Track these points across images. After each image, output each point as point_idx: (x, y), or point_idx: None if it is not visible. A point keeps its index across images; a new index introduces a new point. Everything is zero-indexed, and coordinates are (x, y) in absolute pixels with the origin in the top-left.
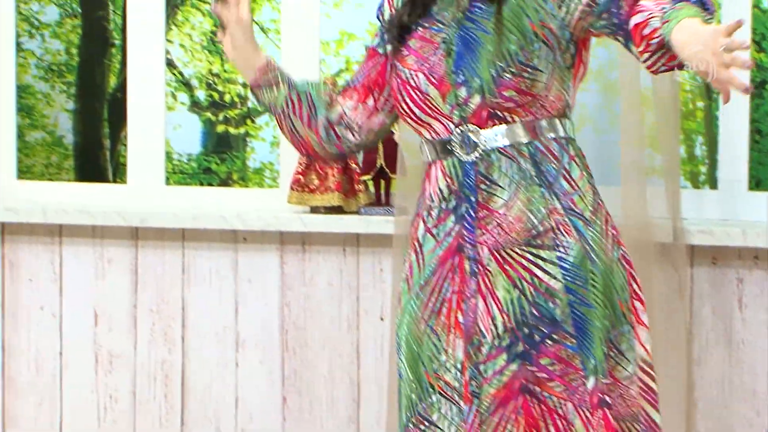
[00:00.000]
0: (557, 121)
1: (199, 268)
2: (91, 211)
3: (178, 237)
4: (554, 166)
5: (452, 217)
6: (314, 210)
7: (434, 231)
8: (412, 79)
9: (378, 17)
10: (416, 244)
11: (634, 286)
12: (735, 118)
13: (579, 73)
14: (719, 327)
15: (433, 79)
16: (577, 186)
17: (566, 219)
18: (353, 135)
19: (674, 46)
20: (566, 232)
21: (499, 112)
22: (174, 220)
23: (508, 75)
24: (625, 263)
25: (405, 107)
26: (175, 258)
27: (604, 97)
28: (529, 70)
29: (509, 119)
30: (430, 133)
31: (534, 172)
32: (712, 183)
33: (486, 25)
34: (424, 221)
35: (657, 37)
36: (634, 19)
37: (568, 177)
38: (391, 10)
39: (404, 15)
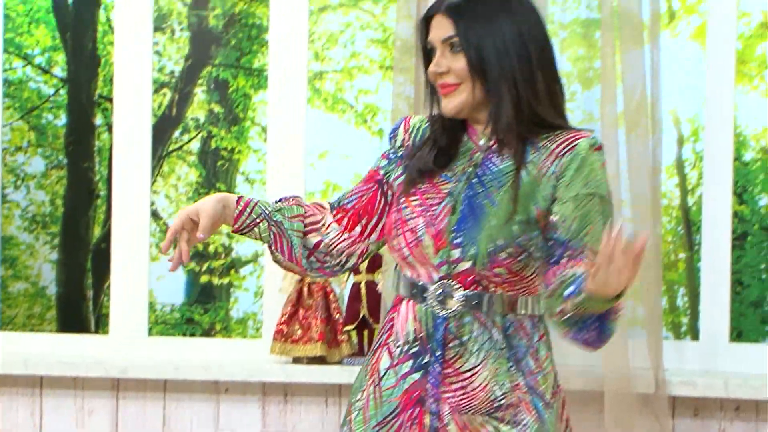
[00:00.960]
0: (535, 299)
1: (180, 419)
2: (73, 362)
3: (160, 388)
4: (525, 342)
5: (410, 363)
6: (297, 360)
7: (395, 369)
8: (412, 220)
9: (390, 139)
10: (376, 376)
11: None
12: (716, 270)
13: None
14: None
15: (431, 229)
16: (542, 366)
17: (528, 397)
18: (334, 259)
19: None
20: (527, 410)
21: (483, 282)
22: (155, 371)
23: (503, 255)
24: None
25: (396, 243)
26: (156, 409)
27: None
28: (524, 255)
29: (492, 289)
30: (412, 273)
31: (504, 345)
32: (694, 334)
33: (494, 195)
34: (390, 355)
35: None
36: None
37: (535, 356)
38: (405, 136)
39: (429, 162)
